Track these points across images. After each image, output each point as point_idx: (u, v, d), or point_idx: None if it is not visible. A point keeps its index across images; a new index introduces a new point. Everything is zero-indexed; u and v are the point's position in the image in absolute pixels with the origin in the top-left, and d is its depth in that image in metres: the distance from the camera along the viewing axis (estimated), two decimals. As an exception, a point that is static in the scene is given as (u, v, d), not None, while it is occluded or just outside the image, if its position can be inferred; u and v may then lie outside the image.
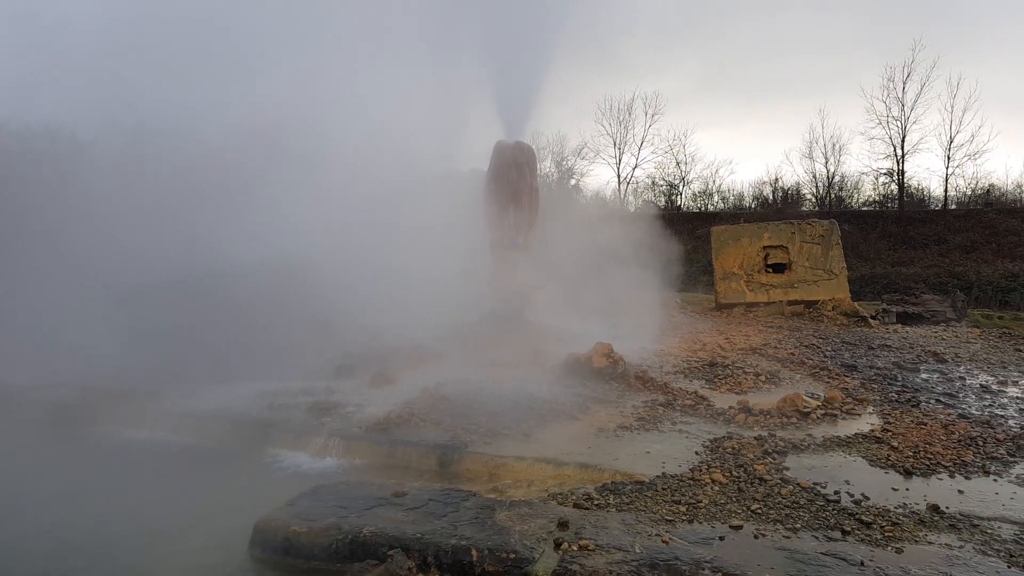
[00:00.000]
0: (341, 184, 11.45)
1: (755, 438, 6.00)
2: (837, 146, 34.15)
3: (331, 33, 13.64)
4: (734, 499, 4.68)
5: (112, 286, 9.43)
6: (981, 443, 5.81)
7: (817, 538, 4.10)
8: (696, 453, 5.67)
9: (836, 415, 6.77)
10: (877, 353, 10.00)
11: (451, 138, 13.89)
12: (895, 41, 50.57)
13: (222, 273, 9.73)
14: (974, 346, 10.85)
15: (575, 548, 3.91)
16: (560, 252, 12.91)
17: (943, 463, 5.35)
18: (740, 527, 4.23)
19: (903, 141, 30.90)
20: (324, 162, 11.71)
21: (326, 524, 4.24)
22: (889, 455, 5.55)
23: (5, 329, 9.07)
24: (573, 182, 34.08)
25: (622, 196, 35.59)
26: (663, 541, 4.01)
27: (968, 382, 8.31)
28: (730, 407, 7.01)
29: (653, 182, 37.34)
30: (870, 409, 7.06)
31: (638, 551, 3.88)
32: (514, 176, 11.08)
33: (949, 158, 30.74)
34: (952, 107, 30.23)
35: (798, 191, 35.73)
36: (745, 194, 37.77)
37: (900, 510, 4.50)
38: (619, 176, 36.49)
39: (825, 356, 9.67)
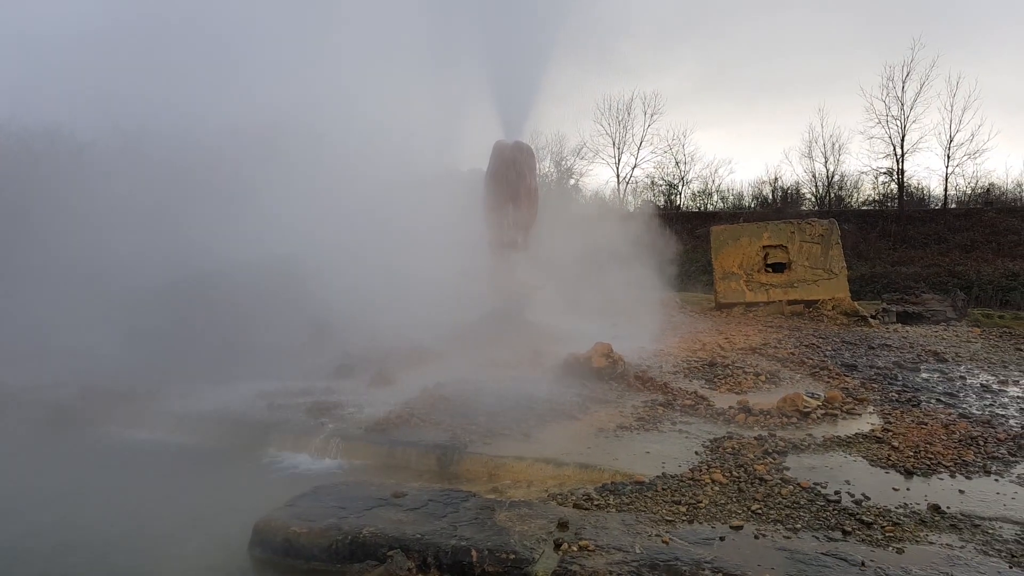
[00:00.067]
0: (340, 184, 11.44)
1: (755, 438, 5.99)
2: (837, 145, 34.17)
3: (330, 33, 13.63)
4: (734, 499, 4.67)
5: (111, 287, 9.43)
6: (982, 443, 5.81)
7: (818, 538, 4.09)
8: (696, 453, 5.66)
9: (836, 415, 6.77)
10: (877, 353, 9.99)
11: (450, 138, 13.89)
12: (894, 40, 50.59)
13: (221, 273, 9.72)
14: (974, 345, 10.84)
15: (575, 549, 3.91)
16: (559, 252, 12.91)
17: (944, 463, 5.35)
18: (740, 527, 4.23)
19: (903, 140, 30.92)
20: (323, 162, 11.71)
21: (326, 525, 4.23)
22: (890, 455, 5.54)
23: (4, 329, 9.07)
24: (572, 182, 34.10)
25: (621, 196, 35.61)
26: (663, 541, 4.00)
27: (969, 381, 8.30)
28: (730, 407, 7.00)
29: (652, 182, 37.38)
30: (870, 409, 7.05)
31: (638, 551, 3.88)
32: (513, 176, 11.09)
33: (949, 157, 30.77)
34: (952, 106, 30.25)
35: (798, 190, 35.75)
36: (744, 194, 37.80)
37: (901, 510, 4.49)
38: (618, 176, 36.52)
39: (825, 356, 9.66)
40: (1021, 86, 45.56)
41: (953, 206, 31.65)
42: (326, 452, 6.20)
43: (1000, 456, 5.53)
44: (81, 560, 4.41)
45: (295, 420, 6.80)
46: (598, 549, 3.90)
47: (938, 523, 4.31)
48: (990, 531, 4.20)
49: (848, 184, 34.59)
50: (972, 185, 32.66)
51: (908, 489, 4.88)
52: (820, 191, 34.90)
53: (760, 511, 4.47)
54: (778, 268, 14.28)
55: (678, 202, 37.08)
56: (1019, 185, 33.36)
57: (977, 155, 30.60)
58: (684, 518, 4.37)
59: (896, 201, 32.21)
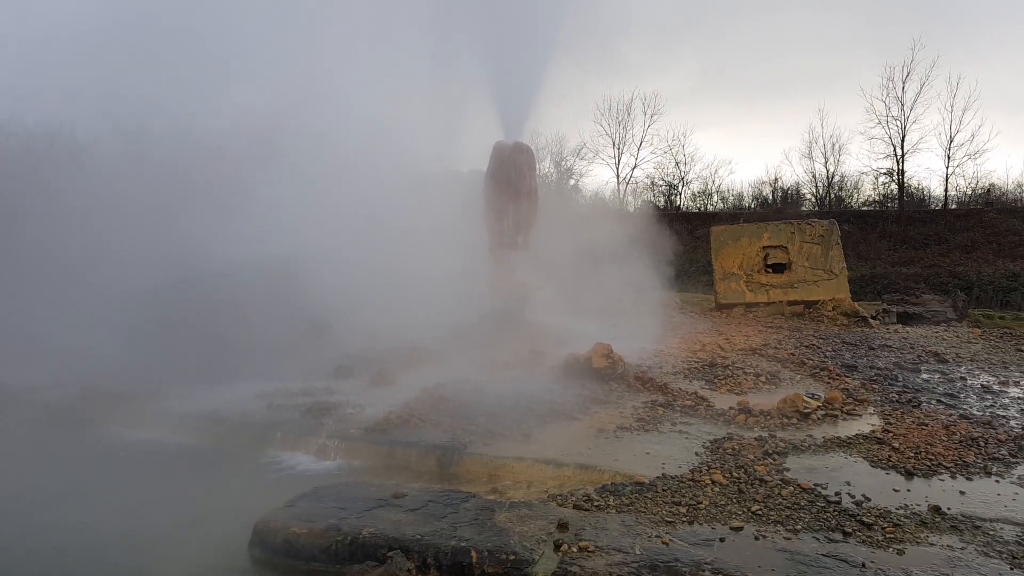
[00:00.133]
0: (340, 184, 11.44)
1: (755, 439, 5.98)
2: (837, 146, 34.17)
3: (329, 33, 13.64)
4: (734, 500, 4.66)
5: (111, 287, 9.42)
6: (983, 444, 5.80)
7: (818, 539, 4.09)
8: (696, 454, 5.65)
9: (837, 416, 6.76)
10: (877, 353, 9.98)
11: (450, 138, 13.89)
12: (894, 41, 50.62)
13: (221, 273, 9.71)
14: (975, 346, 10.83)
15: (575, 550, 3.90)
16: (559, 252, 12.90)
17: (944, 464, 5.34)
18: (740, 528, 4.22)
19: (903, 141, 30.92)
20: (323, 162, 11.71)
21: (326, 525, 4.23)
22: (890, 456, 5.53)
23: (4, 330, 9.06)
24: (572, 182, 34.10)
25: (621, 196, 35.59)
26: (663, 542, 4.00)
27: (969, 382, 8.29)
28: (730, 408, 7.00)
29: (652, 182, 37.38)
30: (871, 410, 7.04)
31: (638, 553, 3.87)
32: (513, 176, 11.08)
33: (949, 158, 30.76)
34: (952, 107, 30.25)
35: (798, 191, 35.74)
36: (744, 194, 37.78)
37: (901, 511, 4.48)
38: (618, 176, 36.51)
39: (825, 356, 9.65)
40: (1021, 86, 45.62)
41: (953, 207, 31.63)
42: (326, 452, 6.20)
43: (1001, 457, 5.53)
44: (81, 561, 4.41)
45: (295, 420, 6.79)
46: (598, 550, 3.89)
47: (939, 524, 4.31)
48: (991, 532, 4.19)
49: (848, 184, 34.62)
50: (972, 186, 32.68)
51: (909, 490, 4.87)
52: (820, 191, 34.92)
53: (760, 512, 4.46)
54: (778, 269, 14.27)
55: (678, 202, 37.10)
56: (1019, 186, 33.37)
57: (977, 155, 30.65)
58: (684, 519, 4.37)
59: (896, 202, 32.20)
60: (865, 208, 33.73)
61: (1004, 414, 6.83)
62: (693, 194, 38.07)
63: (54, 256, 10.00)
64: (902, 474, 5.18)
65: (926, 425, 6.34)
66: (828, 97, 59.07)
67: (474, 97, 12.76)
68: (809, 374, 8.67)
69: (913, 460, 5.42)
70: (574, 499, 4.73)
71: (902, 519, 4.36)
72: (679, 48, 51.07)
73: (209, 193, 10.81)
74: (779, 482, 4.95)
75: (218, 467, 6.09)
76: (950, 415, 6.72)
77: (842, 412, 6.86)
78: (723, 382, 8.22)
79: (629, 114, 36.00)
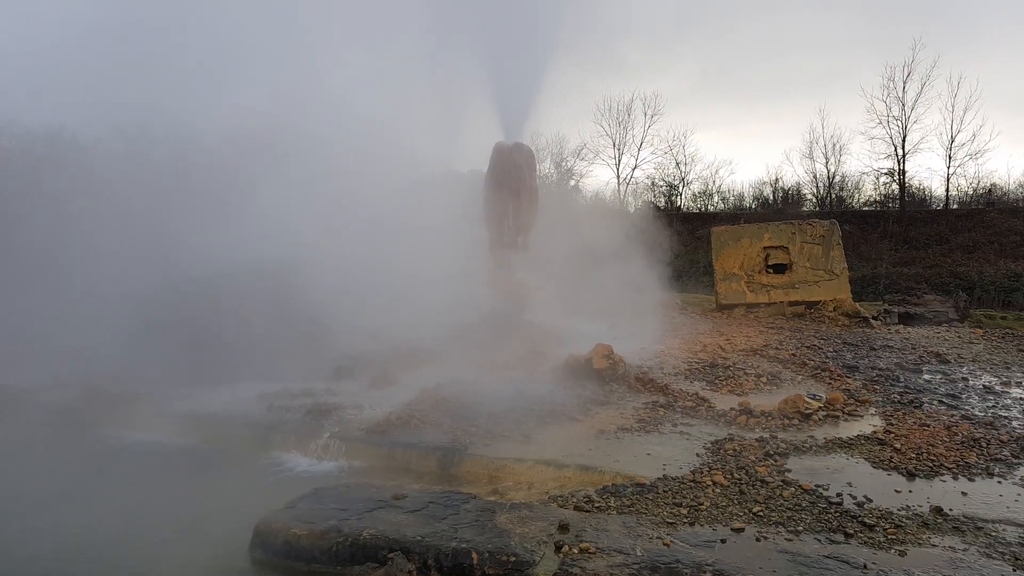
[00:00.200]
0: (340, 186, 11.44)
1: (756, 440, 5.97)
2: (837, 146, 34.10)
3: (329, 35, 13.64)
4: (735, 501, 4.65)
5: (112, 288, 9.42)
6: (984, 445, 5.78)
7: (819, 541, 4.08)
8: (697, 455, 5.65)
9: (838, 416, 6.75)
10: (879, 354, 9.97)
11: (450, 139, 13.89)
12: (895, 41, 50.54)
13: (221, 275, 9.71)
14: (977, 347, 10.81)
15: (576, 551, 3.89)
16: (559, 253, 12.89)
17: (946, 465, 5.33)
18: (742, 530, 4.21)
19: (904, 141, 30.87)
20: (323, 164, 11.71)
21: (326, 527, 4.22)
22: (892, 457, 5.52)
23: (5, 331, 9.07)
24: (572, 183, 34.05)
25: (622, 197, 35.54)
26: (664, 544, 3.99)
27: (971, 383, 8.28)
28: (731, 409, 6.98)
29: (653, 183, 37.31)
30: (872, 410, 7.03)
31: (639, 554, 3.86)
32: (513, 177, 11.07)
33: (950, 158, 30.70)
34: (953, 106, 30.19)
35: (798, 191, 35.68)
36: (745, 194, 37.70)
37: (903, 512, 4.47)
38: (619, 177, 36.46)
39: (826, 357, 9.64)
40: (1022, 86, 45.54)
41: (955, 207, 31.59)
42: (326, 454, 6.20)
43: (1003, 458, 5.51)
44: (81, 562, 4.41)
45: (295, 422, 6.79)
46: (599, 551, 3.88)
47: (941, 525, 4.30)
48: (993, 533, 4.18)
49: (849, 185, 34.55)
50: (974, 186, 32.62)
51: (910, 491, 4.86)
52: (821, 192, 34.87)
53: (761, 513, 4.45)
54: (779, 269, 14.25)
55: (679, 203, 37.04)
56: (1021, 186, 33.30)
57: (979, 156, 30.52)
58: (685, 520, 4.36)
59: (897, 202, 32.15)
60: (866, 208, 33.69)
61: (1006, 415, 6.82)
62: (694, 194, 38.05)
63: (55, 257, 10.00)
64: (904, 475, 5.17)
65: (928, 426, 6.33)
66: (829, 97, 59.01)
67: (474, 98, 12.77)
68: (810, 375, 8.65)
69: (915, 461, 5.41)
70: (575, 500, 4.72)
71: (904, 520, 4.35)
72: (679, 48, 51.02)
73: (209, 195, 10.81)
74: (780, 483, 4.94)
75: (218, 468, 6.09)
76: (952, 416, 6.70)
77: (843, 413, 6.85)
78: (724, 383, 8.21)
79: (629, 114, 35.97)
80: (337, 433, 6.42)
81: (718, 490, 4.84)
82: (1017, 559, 3.86)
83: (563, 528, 4.18)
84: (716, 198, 37.80)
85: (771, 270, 14.28)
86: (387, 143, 12.66)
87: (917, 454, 5.55)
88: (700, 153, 52.60)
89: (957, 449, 5.66)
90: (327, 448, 6.24)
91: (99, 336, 8.76)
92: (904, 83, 30.43)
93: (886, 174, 32.33)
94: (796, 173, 47.80)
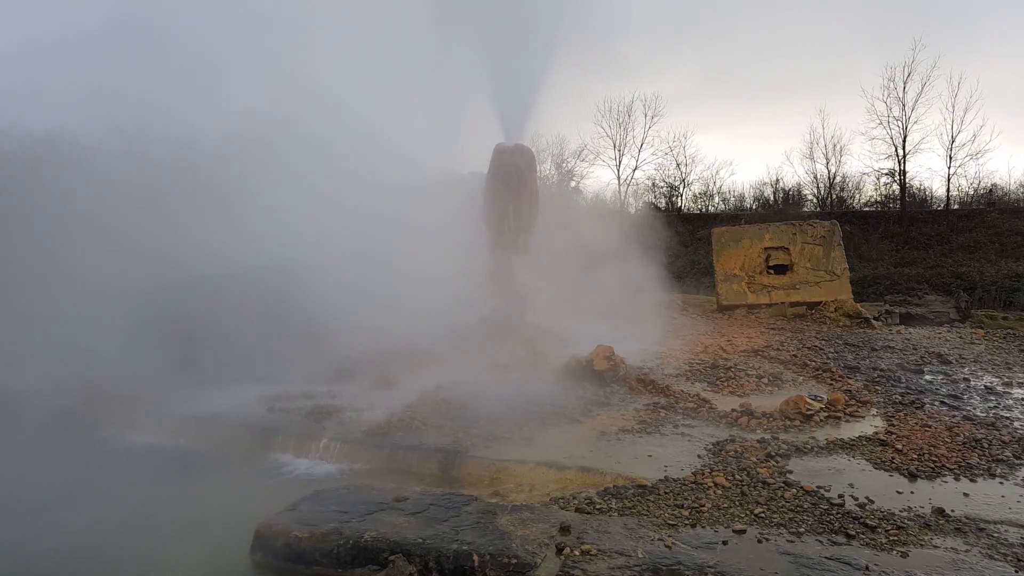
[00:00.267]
0: (341, 188, 11.44)
1: (758, 441, 5.96)
2: (838, 146, 34.04)
3: (329, 36, 13.64)
4: (737, 503, 4.65)
5: (113, 290, 9.42)
6: (986, 445, 5.78)
7: (821, 542, 4.07)
8: (698, 456, 5.64)
9: (839, 417, 6.74)
10: (880, 355, 9.96)
11: (450, 140, 13.88)
12: (895, 41, 50.51)
13: (222, 277, 9.72)
14: (978, 347, 10.80)
15: (577, 553, 3.89)
16: (560, 254, 12.89)
17: (948, 466, 5.32)
18: (743, 531, 4.20)
19: (904, 141, 30.84)
20: (323, 166, 11.71)
21: (327, 529, 4.22)
22: (893, 458, 5.52)
23: (6, 333, 9.07)
24: (573, 184, 34.02)
25: (622, 198, 35.51)
26: (666, 546, 3.99)
27: (972, 383, 8.27)
28: (732, 410, 6.98)
29: (653, 184, 37.26)
30: (873, 411, 7.02)
31: (640, 556, 3.86)
32: (514, 179, 11.07)
33: (951, 158, 30.66)
34: (953, 107, 30.14)
35: (799, 192, 35.63)
36: (746, 195, 37.65)
37: (905, 513, 4.47)
38: (619, 178, 36.44)
39: (828, 358, 9.63)
40: (1023, 86, 45.51)
41: (956, 207, 31.55)
42: (327, 456, 6.19)
43: (1005, 459, 5.50)
44: (82, 564, 4.41)
45: (296, 424, 6.79)
46: (600, 553, 3.88)
47: (943, 527, 4.29)
48: (995, 535, 4.17)
49: (850, 185, 34.50)
50: (974, 186, 32.57)
51: (912, 492, 4.85)
52: (822, 192, 34.82)
53: (763, 515, 4.45)
54: (780, 270, 14.25)
55: (679, 204, 37.00)
56: (1022, 186, 33.28)
57: (979, 156, 30.46)
58: (687, 522, 4.35)
59: (898, 202, 32.13)
60: (867, 209, 33.65)
61: (1008, 415, 6.81)
62: (694, 195, 38.00)
63: (55, 258, 10.00)
64: (905, 476, 5.16)
65: (929, 427, 6.32)
66: (829, 97, 58.94)
67: (474, 99, 12.77)
68: (811, 376, 8.65)
69: (916, 462, 5.40)
70: (576, 502, 4.72)
71: (906, 521, 4.34)
72: (679, 49, 51.03)
73: (210, 196, 10.80)
74: (782, 484, 4.94)
75: (219, 471, 6.09)
76: (953, 416, 6.70)
77: (845, 414, 6.84)
78: (725, 384, 8.21)
79: (630, 115, 35.92)
80: (338, 435, 6.42)
81: (719, 491, 4.84)
82: (1019, 560, 3.85)
83: (564, 530, 4.17)
84: (717, 199, 37.79)
85: (772, 271, 14.27)
86: (387, 144, 12.66)
87: (919, 455, 5.54)
88: (700, 154, 52.47)
89: (959, 450, 5.65)
90: (328, 450, 6.24)
91: (99, 337, 8.76)
92: (904, 83, 30.42)
93: (887, 174, 32.31)
94: (797, 174, 47.62)
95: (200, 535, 4.71)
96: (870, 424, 6.56)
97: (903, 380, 8.38)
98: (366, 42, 13.46)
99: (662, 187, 37.26)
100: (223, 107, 11.71)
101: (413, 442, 6.15)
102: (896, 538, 4.11)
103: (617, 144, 36.08)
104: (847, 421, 6.66)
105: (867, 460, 5.52)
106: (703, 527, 4.28)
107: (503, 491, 5.22)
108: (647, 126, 35.96)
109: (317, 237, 10.65)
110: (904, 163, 31.27)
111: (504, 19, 11.70)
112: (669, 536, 4.12)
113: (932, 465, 5.33)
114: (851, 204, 34.22)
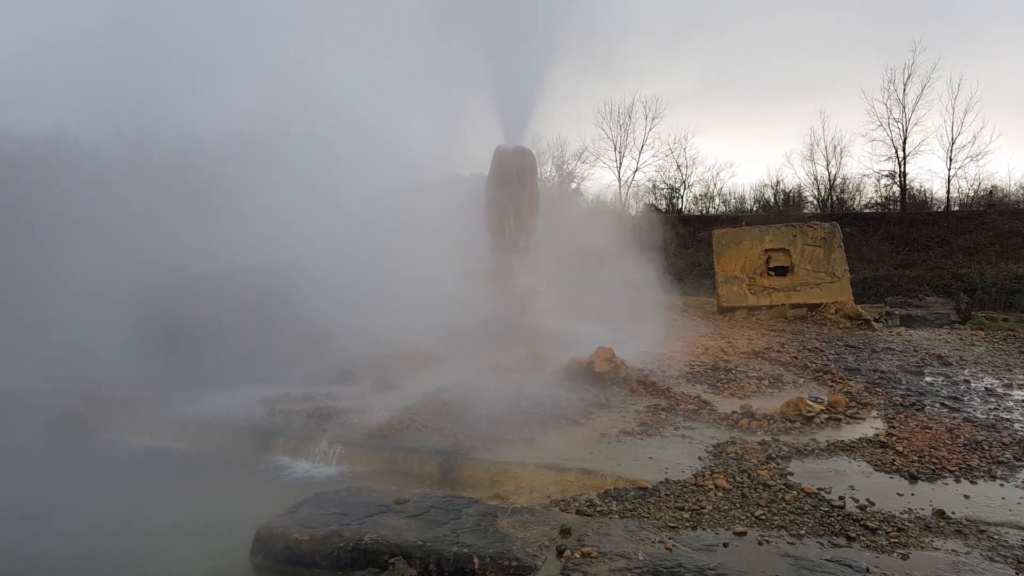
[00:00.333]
0: (341, 190, 11.45)
1: (758, 443, 5.96)
2: (838, 148, 34.00)
3: (329, 38, 13.66)
4: (738, 505, 4.65)
5: (113, 292, 9.43)
6: (987, 447, 5.78)
7: (822, 544, 4.07)
8: (699, 458, 5.64)
9: (840, 419, 6.74)
10: (881, 356, 9.96)
11: (451, 142, 13.89)
12: (895, 42, 50.44)
13: (223, 279, 9.72)
14: (978, 349, 10.79)
15: (578, 555, 3.89)
16: (561, 256, 12.89)
17: (948, 468, 5.32)
18: (744, 533, 4.20)
19: (904, 143, 30.84)
20: (324, 168, 11.72)
21: (328, 531, 4.22)
22: (894, 460, 5.51)
23: (7, 336, 9.07)
24: (574, 186, 33.99)
25: (623, 200, 35.51)
26: (666, 548, 3.98)
27: (973, 385, 8.26)
28: (733, 412, 6.98)
29: (654, 185, 37.28)
30: (874, 413, 7.02)
31: (641, 558, 3.85)
32: (515, 181, 11.05)
33: (951, 160, 30.66)
34: (953, 108, 30.15)
35: (799, 193, 35.61)
36: (746, 197, 37.64)
37: (905, 515, 4.46)
38: (620, 180, 36.45)
39: (828, 359, 9.63)
40: (1023, 88, 45.51)
41: (956, 209, 31.54)
42: (328, 458, 6.19)
43: (1005, 460, 5.50)
44: (82, 566, 4.41)
45: (297, 426, 6.79)
46: (601, 556, 3.88)
47: (943, 529, 4.29)
48: (996, 537, 4.17)
49: (850, 187, 34.47)
50: (975, 188, 32.57)
51: (913, 494, 4.85)
52: (822, 194, 34.80)
53: (764, 517, 4.44)
54: (780, 272, 14.25)
55: (680, 205, 37.01)
56: (1022, 187, 33.28)
57: (979, 157, 30.45)
58: (687, 524, 4.35)
59: (898, 204, 32.12)
60: (867, 210, 33.64)
61: (1008, 417, 6.80)
62: (695, 197, 38.00)
63: (56, 260, 10.01)
64: (906, 478, 5.16)
65: (930, 428, 6.32)
66: (829, 99, 58.92)
67: (475, 101, 12.77)
68: (812, 377, 8.64)
69: (917, 464, 5.40)
70: (577, 504, 4.72)
71: (906, 523, 4.34)
72: (680, 50, 51.06)
73: (210, 197, 10.81)
74: (782, 486, 4.94)
75: (219, 473, 6.09)
76: (954, 418, 6.69)
77: (845, 416, 6.84)
78: (726, 386, 8.20)
79: (630, 117, 35.91)
80: (338, 437, 6.42)
81: (720, 493, 4.83)
82: (1020, 562, 3.85)
83: (565, 532, 4.17)
84: (717, 200, 37.79)
85: (772, 273, 14.27)
86: (387, 145, 12.67)
87: (919, 457, 5.54)
88: (701, 155, 52.56)
89: (959, 452, 5.65)
90: (328, 452, 6.23)
91: (99, 339, 8.76)
92: (904, 85, 30.43)
93: (887, 176, 32.31)
94: (797, 175, 47.64)
95: (200, 537, 4.71)
96: (871, 426, 6.56)
97: (903, 382, 8.37)
98: (366, 42, 13.47)
99: (663, 189, 37.29)
100: (223, 108, 11.73)
101: (413, 444, 6.15)
102: (897, 540, 4.11)
103: (618, 146, 36.09)
104: (848, 423, 6.66)
105: (868, 462, 5.52)
106: (704, 529, 4.28)
107: (503, 493, 5.22)
108: (648, 128, 35.98)
109: (317, 238, 10.67)
110: (904, 165, 31.29)
111: (504, 20, 11.70)
112: (670, 538, 4.11)
113: (933, 467, 5.33)
114: (851, 206, 34.21)
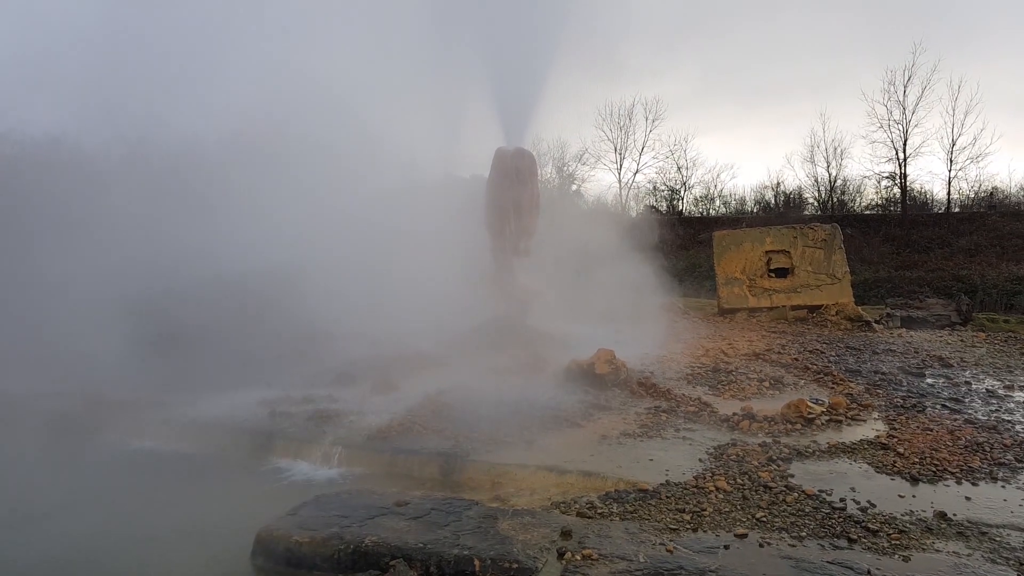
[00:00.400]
0: (342, 191, 11.46)
1: (759, 445, 5.96)
2: (839, 150, 34.05)
3: (329, 39, 13.67)
4: (739, 507, 4.64)
5: (114, 294, 9.43)
6: (988, 449, 5.77)
7: (823, 546, 4.06)
8: (700, 460, 5.63)
9: (841, 421, 6.73)
10: (881, 358, 9.95)
11: (451, 144, 13.91)
12: (895, 44, 50.53)
13: (223, 281, 9.73)
14: (979, 350, 10.79)
15: (578, 558, 3.88)
16: (561, 258, 12.90)
17: (950, 469, 5.31)
18: (745, 535, 4.19)
19: (905, 144, 30.88)
20: (324, 170, 11.73)
21: (328, 534, 4.21)
22: (895, 461, 5.51)
23: (7, 337, 9.07)
24: (574, 188, 34.03)
25: (623, 201, 35.53)
26: (667, 550, 3.98)
27: (974, 387, 8.26)
28: (734, 413, 6.97)
29: (654, 187, 37.30)
30: (875, 415, 7.01)
31: (642, 560, 3.85)
32: (515, 182, 11.06)
33: (951, 161, 30.70)
34: (954, 110, 30.20)
35: (800, 195, 35.65)
36: (747, 198, 37.70)
37: (907, 517, 4.46)
38: (620, 181, 36.47)
39: (829, 361, 9.62)
40: (1023, 88, 45.52)
41: (956, 210, 31.57)
42: (328, 460, 6.18)
43: (1007, 462, 5.49)
44: (82, 568, 4.40)
45: (297, 428, 6.78)
46: (601, 558, 3.87)
47: (945, 530, 4.28)
48: (997, 538, 4.16)
49: (851, 188, 34.51)
50: (975, 189, 32.61)
51: (914, 496, 4.84)
52: (823, 196, 34.83)
53: (765, 519, 4.44)
54: (781, 273, 14.25)
55: (680, 207, 37.02)
56: (1022, 188, 33.31)
57: (980, 159, 30.51)
58: (688, 526, 4.34)
59: (899, 205, 32.14)
60: (868, 212, 33.66)
61: (1009, 419, 6.80)
62: (695, 199, 38.03)
63: (56, 262, 10.01)
64: (907, 480, 5.15)
65: (931, 430, 6.31)
66: (829, 101, 59.06)
67: (475, 103, 12.78)
68: (813, 379, 8.64)
69: (918, 465, 5.39)
70: (577, 506, 4.71)
71: (908, 525, 4.33)
72: (680, 52, 51.12)
73: (210, 199, 10.82)
74: (783, 488, 4.93)
75: (220, 475, 6.08)
76: (955, 420, 6.69)
77: (846, 417, 6.83)
78: (726, 387, 8.20)
79: (631, 119, 35.96)
80: (339, 439, 6.41)
81: (721, 496, 4.83)
82: (1022, 564, 3.84)
83: (566, 534, 4.16)
84: (718, 202, 37.82)
85: (773, 274, 14.28)
86: (388, 148, 12.69)
87: (920, 459, 5.53)
88: (701, 157, 52.44)
89: (960, 453, 5.64)
90: (329, 455, 6.22)
91: (101, 342, 8.76)
92: (905, 87, 30.49)
93: (887, 178, 32.34)
94: (797, 177, 47.67)
95: (201, 540, 4.70)
96: (871, 428, 6.55)
97: (904, 383, 8.37)
98: (366, 43, 13.48)
99: (663, 190, 37.31)
100: (222, 109, 11.74)
101: (414, 446, 6.14)
102: (898, 542, 4.10)
103: (618, 147, 36.13)
104: (848, 425, 6.66)
105: (869, 464, 5.51)
106: (705, 531, 4.27)
107: (504, 495, 5.21)
108: (648, 129, 36.02)
109: (317, 239, 10.67)
110: (905, 166, 31.33)
111: (504, 20, 11.71)
112: (671, 540, 4.11)
113: (934, 469, 5.32)
114: (852, 207, 34.23)
